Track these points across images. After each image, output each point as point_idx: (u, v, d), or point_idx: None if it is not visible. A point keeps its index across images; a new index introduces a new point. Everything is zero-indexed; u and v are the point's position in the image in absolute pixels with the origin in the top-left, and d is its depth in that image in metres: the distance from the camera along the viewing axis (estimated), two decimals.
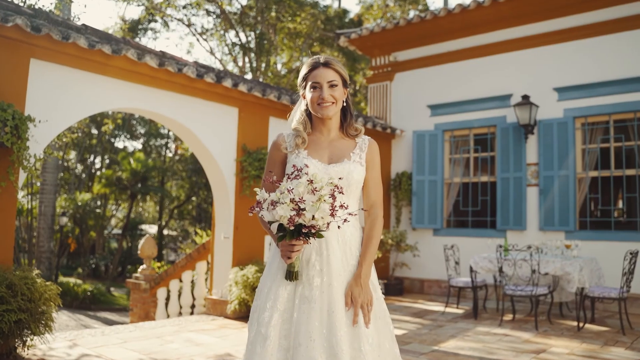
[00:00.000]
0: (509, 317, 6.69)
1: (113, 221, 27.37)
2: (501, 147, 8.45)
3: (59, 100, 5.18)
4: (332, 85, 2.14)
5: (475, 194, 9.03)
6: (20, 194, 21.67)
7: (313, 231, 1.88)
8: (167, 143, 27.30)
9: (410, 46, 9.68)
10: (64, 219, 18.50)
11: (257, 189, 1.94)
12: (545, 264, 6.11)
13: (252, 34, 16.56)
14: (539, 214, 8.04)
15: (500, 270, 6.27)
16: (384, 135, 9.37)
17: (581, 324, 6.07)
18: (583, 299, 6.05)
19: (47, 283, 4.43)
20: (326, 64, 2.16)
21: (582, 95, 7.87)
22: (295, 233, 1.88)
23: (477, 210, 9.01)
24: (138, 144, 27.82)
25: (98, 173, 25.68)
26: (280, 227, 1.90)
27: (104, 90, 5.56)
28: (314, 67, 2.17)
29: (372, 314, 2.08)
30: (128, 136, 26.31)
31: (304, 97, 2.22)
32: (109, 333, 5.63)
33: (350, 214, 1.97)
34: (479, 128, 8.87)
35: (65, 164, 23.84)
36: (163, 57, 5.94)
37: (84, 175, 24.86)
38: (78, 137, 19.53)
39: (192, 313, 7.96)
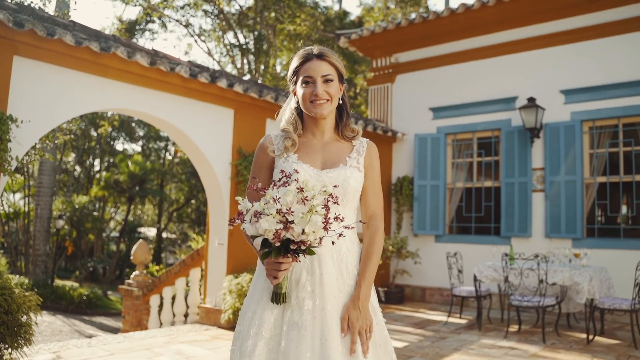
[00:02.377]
0: (514, 327, 6.42)
1: (112, 224, 27.13)
2: (506, 151, 8.19)
3: (44, 100, 4.93)
4: (326, 80, 1.88)
5: (479, 200, 8.77)
6: (17, 196, 21.48)
7: (303, 247, 1.61)
8: (166, 146, 27.07)
9: (412, 47, 9.44)
10: (60, 222, 18.24)
11: (238, 198, 1.68)
12: (553, 274, 5.85)
13: (251, 35, 16.33)
14: (544, 220, 7.78)
15: (506, 279, 6.00)
16: (384, 139, 9.12)
17: (590, 337, 5.81)
18: (593, 311, 5.78)
19: (27, 293, 4.17)
20: (320, 56, 1.90)
21: (590, 98, 7.61)
22: (282, 249, 1.62)
23: (480, 216, 8.75)
24: (137, 147, 27.61)
25: (97, 175, 25.44)
26: (265, 242, 1.64)
27: (93, 90, 5.31)
28: (306, 59, 1.90)
29: (372, 342, 1.82)
30: (127, 138, 26.09)
31: (295, 94, 1.95)
32: (96, 344, 5.37)
33: (346, 227, 1.72)
34: (483, 131, 8.61)
35: (64, 166, 23.60)
36: (155, 56, 5.69)
37: (82, 177, 24.61)
38: (71, 139, 19.28)
39: (185, 322, 7.70)
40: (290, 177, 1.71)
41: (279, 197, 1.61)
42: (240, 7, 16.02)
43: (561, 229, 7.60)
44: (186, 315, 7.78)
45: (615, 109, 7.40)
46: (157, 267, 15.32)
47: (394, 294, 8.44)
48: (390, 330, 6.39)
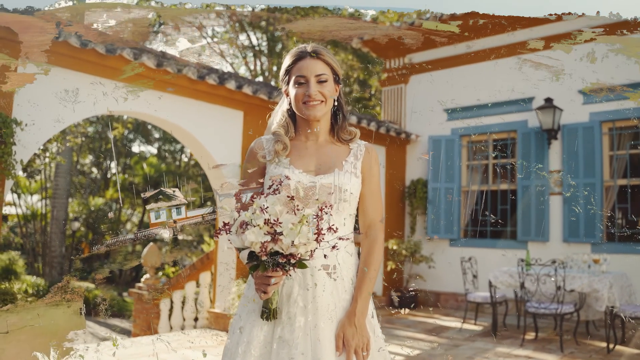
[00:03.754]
0: (531, 335, 6.22)
1: (129, 225, 27.30)
2: (522, 153, 7.98)
3: (49, 103, 4.88)
4: (320, 80, 1.76)
5: (495, 203, 8.56)
6: (35, 198, 21.72)
7: (292, 261, 1.49)
8: (182, 148, 27.15)
9: (425, 47, 9.27)
10: (76, 224, 18.39)
11: (225, 207, 1.56)
12: (571, 280, 5.64)
13: (264, 37, 16.28)
14: (562, 224, 7.55)
15: (522, 285, 5.81)
16: (398, 141, 8.97)
17: (611, 346, 5.58)
18: (613, 318, 5.57)
19: (29, 299, 4.12)
20: (314, 54, 1.77)
21: (609, 98, 7.37)
22: (270, 263, 1.50)
23: (496, 219, 8.55)
24: (154, 149, 27.75)
25: (114, 178, 25.62)
26: (252, 255, 1.52)
27: (99, 92, 5.26)
28: (299, 57, 1.78)
29: None
30: (143, 140, 26.23)
31: (287, 94, 1.83)
32: (102, 349, 5.30)
33: (340, 239, 1.59)
34: (499, 133, 8.41)
35: (80, 168, 23.81)
36: (162, 58, 5.63)
37: (98, 179, 24.81)
38: (86, 141, 19.44)
39: (195, 326, 7.62)
40: (280, 184, 1.59)
41: (267, 207, 1.49)
42: (252, 8, 15.98)
43: (580, 234, 7.37)
44: (196, 320, 7.70)
45: (636, 110, 7.17)
46: (173, 269, 15.34)
47: (407, 299, 8.28)
48: (402, 337, 6.24)
